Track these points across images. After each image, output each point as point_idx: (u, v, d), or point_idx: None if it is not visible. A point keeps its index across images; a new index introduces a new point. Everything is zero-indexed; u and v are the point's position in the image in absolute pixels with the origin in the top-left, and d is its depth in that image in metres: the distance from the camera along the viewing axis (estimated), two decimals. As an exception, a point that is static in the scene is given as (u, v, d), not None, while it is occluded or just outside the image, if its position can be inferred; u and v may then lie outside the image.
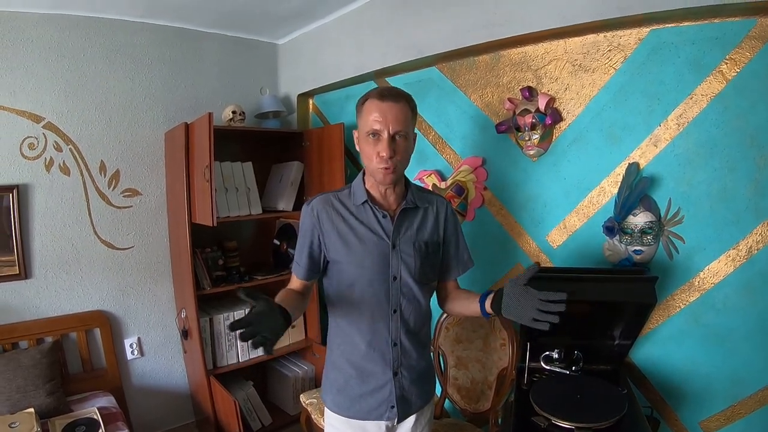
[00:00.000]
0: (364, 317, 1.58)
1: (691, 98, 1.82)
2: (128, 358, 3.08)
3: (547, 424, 1.48)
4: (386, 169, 1.51)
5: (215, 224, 2.54)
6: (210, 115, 2.49)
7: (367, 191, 1.59)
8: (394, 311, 1.60)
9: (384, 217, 1.59)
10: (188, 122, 2.74)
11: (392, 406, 1.62)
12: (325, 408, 1.70)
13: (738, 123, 1.74)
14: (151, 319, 3.14)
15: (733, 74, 1.73)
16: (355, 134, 1.60)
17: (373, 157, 1.51)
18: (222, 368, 2.94)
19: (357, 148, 1.59)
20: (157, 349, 3.20)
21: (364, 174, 1.63)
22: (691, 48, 1.80)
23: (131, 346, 3.08)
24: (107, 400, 2.69)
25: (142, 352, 3.14)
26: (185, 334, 2.95)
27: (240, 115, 2.98)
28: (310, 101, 3.54)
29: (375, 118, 1.49)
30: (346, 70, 2.97)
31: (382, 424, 1.63)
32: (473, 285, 2.49)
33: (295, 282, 1.66)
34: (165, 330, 3.19)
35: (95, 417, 2.42)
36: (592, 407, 1.53)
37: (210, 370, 2.88)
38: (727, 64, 1.73)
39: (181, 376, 3.29)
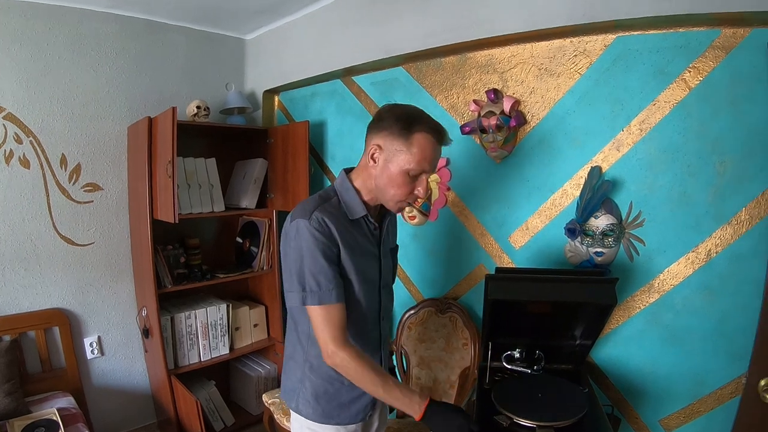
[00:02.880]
0: (359, 328, 1.55)
1: (654, 104, 1.86)
2: (88, 358, 3.00)
3: (509, 422, 1.48)
4: (410, 203, 1.53)
5: (177, 221, 2.49)
6: (174, 109, 2.46)
7: (365, 204, 1.53)
8: (382, 318, 1.65)
9: (375, 229, 1.58)
10: (152, 116, 2.69)
11: (374, 404, 1.64)
12: (301, 417, 1.62)
13: (700, 130, 1.78)
14: (111, 318, 3.07)
15: (696, 82, 1.77)
16: (378, 151, 1.46)
17: (406, 193, 1.47)
18: (183, 368, 2.89)
19: (371, 161, 1.48)
20: (118, 348, 3.12)
21: (352, 184, 1.53)
22: (656, 56, 1.84)
23: (91, 345, 3.00)
24: (67, 401, 2.61)
25: (102, 352, 3.06)
26: (146, 333, 2.89)
27: (204, 110, 2.93)
28: (276, 98, 3.52)
29: (428, 160, 1.43)
30: (313, 68, 2.95)
31: (361, 423, 1.65)
32: (434, 286, 2.57)
33: (340, 311, 1.44)
34: (126, 329, 3.12)
35: (55, 418, 2.35)
36: (553, 406, 1.54)
37: (171, 369, 2.83)
38: (690, 72, 1.77)
39: (142, 376, 3.22)
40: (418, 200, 1.54)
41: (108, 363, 3.09)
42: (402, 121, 1.43)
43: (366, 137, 1.52)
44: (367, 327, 1.59)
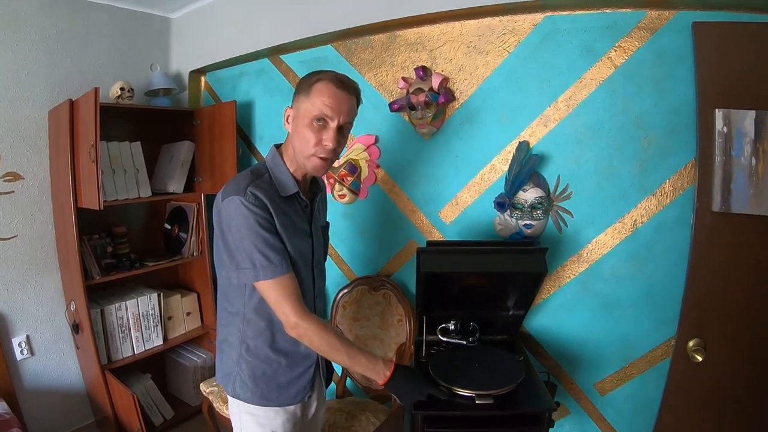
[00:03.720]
0: None
1: (581, 82, 1.92)
2: (18, 359, 2.83)
3: (447, 393, 1.49)
4: (325, 159, 1.50)
5: (102, 207, 2.40)
6: (96, 90, 2.35)
7: (295, 180, 1.53)
8: (317, 296, 1.66)
9: (306, 207, 1.58)
10: (73, 99, 2.56)
11: (312, 385, 1.65)
12: (239, 401, 1.61)
13: (625, 106, 1.85)
14: (39, 315, 2.91)
15: (621, 61, 1.84)
16: (290, 112, 1.51)
17: (314, 144, 1.46)
18: (117, 362, 2.79)
19: (286, 126, 1.51)
20: (48, 346, 2.97)
21: (282, 159, 1.54)
22: (583, 35, 1.90)
23: (20, 345, 2.84)
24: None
25: (32, 352, 2.90)
26: (76, 328, 2.77)
27: (129, 92, 2.81)
28: (202, 78, 3.41)
29: (327, 103, 1.43)
30: (240, 47, 2.88)
31: (299, 404, 1.65)
32: (367, 265, 2.58)
33: (293, 280, 1.45)
34: (55, 326, 2.97)
35: (-13, 425, 2.22)
36: (490, 375, 1.56)
37: (105, 365, 2.72)
38: (616, 51, 1.84)
39: (75, 375, 3.08)
40: (330, 154, 1.50)
41: (39, 363, 2.94)
42: (305, 78, 1.49)
43: None
44: None
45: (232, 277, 1.50)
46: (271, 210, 1.42)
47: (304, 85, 1.47)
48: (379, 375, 1.46)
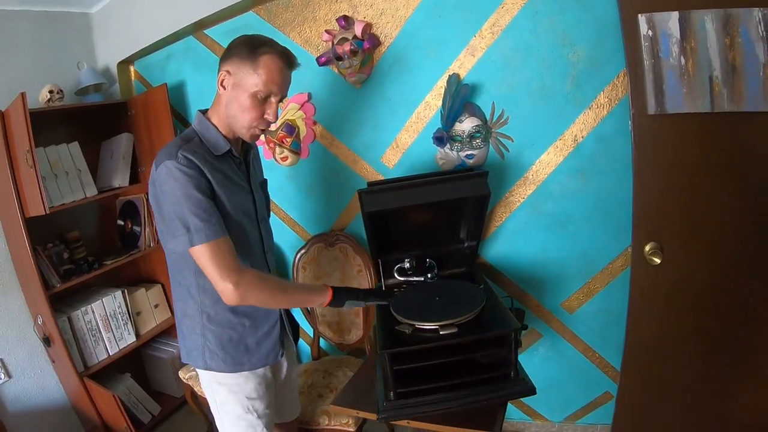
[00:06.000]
0: (249, 264, 1.52)
1: (503, 8, 1.91)
2: (-4, 385, 2.80)
3: (411, 329, 1.50)
4: (263, 130, 1.51)
5: (48, 211, 2.34)
6: (23, 95, 2.28)
7: (226, 139, 1.52)
8: (267, 252, 1.66)
9: (240, 164, 1.58)
10: (2, 110, 2.49)
11: (282, 343, 1.66)
12: (212, 373, 1.60)
13: (549, 25, 1.86)
14: (8, 336, 2.84)
15: (541, -19, 1.82)
16: (226, 77, 1.46)
17: (255, 117, 1.46)
18: (94, 366, 2.75)
19: (221, 88, 1.47)
20: (24, 366, 2.90)
21: (210, 121, 1.52)
22: (498, -39, 1.88)
23: (-5, 371, 2.80)
24: (-15, 436, 2.44)
25: (8, 375, 2.84)
26: (47, 341, 2.71)
27: (58, 93, 2.72)
28: (131, 68, 3.30)
29: (275, 81, 1.43)
30: (163, 29, 2.80)
31: (269, 367, 1.66)
32: (320, 222, 2.57)
33: (229, 242, 1.40)
34: (27, 344, 2.90)
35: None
36: (451, 306, 1.57)
37: (82, 372, 2.68)
38: (534, -28, 1.82)
39: (56, 389, 3.02)
40: (270, 125, 1.53)
41: (18, 385, 2.88)
42: (248, 45, 1.44)
43: (218, 70, 1.49)
44: (254, 262, 1.58)
45: (170, 247, 1.45)
46: (206, 171, 1.40)
47: (247, 51, 1.42)
48: (324, 296, 1.55)
